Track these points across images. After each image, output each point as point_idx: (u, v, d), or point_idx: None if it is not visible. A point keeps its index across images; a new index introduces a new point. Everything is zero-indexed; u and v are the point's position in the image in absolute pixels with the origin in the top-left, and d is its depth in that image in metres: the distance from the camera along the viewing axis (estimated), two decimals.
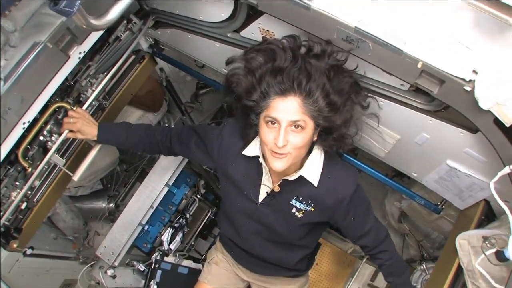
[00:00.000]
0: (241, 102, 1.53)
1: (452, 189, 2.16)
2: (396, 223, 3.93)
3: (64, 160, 2.10)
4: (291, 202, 1.69)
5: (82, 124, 1.93)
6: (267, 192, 1.71)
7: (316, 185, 1.62)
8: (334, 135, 1.55)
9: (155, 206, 2.77)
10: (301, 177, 1.62)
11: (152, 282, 2.47)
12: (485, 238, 1.62)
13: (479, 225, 2.09)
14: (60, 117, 2.01)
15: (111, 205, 3.06)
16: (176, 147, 1.98)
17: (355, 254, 4.58)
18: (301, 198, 1.68)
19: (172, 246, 2.76)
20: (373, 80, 1.80)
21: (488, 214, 2.17)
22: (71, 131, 1.95)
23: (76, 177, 2.13)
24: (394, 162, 2.30)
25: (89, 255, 2.94)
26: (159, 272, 2.48)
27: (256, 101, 1.45)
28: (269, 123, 1.43)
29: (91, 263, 2.87)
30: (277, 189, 1.70)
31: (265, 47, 1.50)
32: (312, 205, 1.68)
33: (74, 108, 1.94)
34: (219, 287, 2.31)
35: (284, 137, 1.39)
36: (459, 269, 1.99)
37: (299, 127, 1.41)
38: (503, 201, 1.50)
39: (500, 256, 1.53)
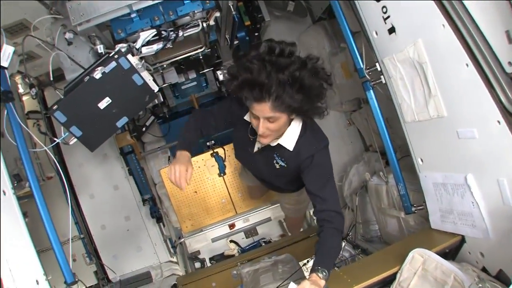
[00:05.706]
0: None
1: (443, 203, 1.91)
2: (347, 190, 3.77)
3: None
4: (274, 155, 2.16)
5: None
6: (258, 148, 2.21)
7: (291, 149, 2.06)
8: (308, 113, 1.94)
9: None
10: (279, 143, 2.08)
11: (99, 68, 2.12)
12: (481, 280, 1.43)
13: (440, 254, 1.89)
14: None
15: None
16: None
17: None
18: (280, 156, 2.15)
19: (144, 50, 2.36)
20: (485, 40, 1.41)
21: (452, 250, 1.98)
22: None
23: None
24: (410, 134, 2.06)
25: (63, 13, 2.49)
26: (113, 64, 2.12)
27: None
28: (253, 114, 1.90)
29: (57, 16, 2.47)
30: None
31: (243, 62, 1.83)
32: (286, 162, 2.15)
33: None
34: (250, 182, 3.27)
35: (262, 127, 1.89)
36: (392, 276, 1.84)
37: (273, 119, 1.85)
38: None
39: None
